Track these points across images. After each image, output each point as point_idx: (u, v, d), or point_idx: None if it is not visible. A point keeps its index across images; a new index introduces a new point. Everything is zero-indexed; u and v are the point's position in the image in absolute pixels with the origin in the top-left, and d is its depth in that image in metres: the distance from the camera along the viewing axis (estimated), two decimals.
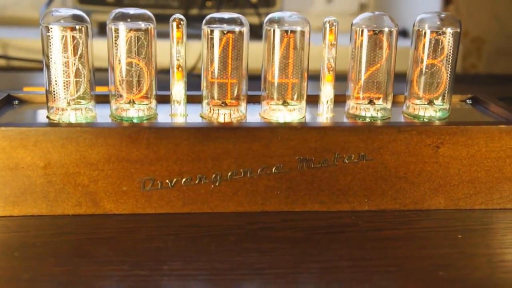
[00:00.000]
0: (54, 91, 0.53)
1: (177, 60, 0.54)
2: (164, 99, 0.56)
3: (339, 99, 0.57)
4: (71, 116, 0.53)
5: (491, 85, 1.13)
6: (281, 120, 0.53)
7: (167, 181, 0.50)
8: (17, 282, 0.40)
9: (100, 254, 0.44)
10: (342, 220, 0.51)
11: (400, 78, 0.58)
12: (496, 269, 0.43)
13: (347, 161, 0.51)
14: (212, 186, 0.51)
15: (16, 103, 0.59)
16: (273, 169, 0.51)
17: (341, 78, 0.57)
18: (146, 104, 0.54)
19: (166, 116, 0.54)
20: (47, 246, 0.46)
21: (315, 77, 0.57)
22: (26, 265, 0.43)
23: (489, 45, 1.26)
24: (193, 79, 0.67)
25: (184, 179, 0.50)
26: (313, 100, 0.57)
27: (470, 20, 1.23)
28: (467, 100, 0.62)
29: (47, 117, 0.53)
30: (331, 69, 0.55)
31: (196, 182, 0.51)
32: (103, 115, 0.54)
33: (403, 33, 1.24)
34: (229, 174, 0.51)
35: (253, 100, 0.58)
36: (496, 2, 1.24)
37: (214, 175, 0.51)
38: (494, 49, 1.27)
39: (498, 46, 1.27)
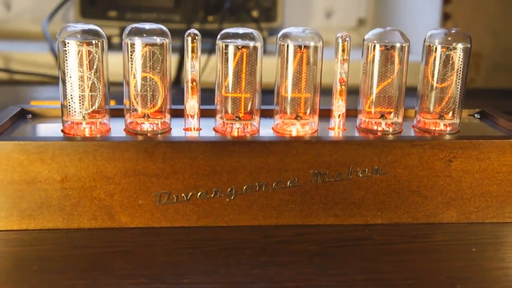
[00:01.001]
0: (69, 105, 0.53)
1: (192, 74, 0.54)
2: (177, 113, 0.56)
3: (350, 113, 0.58)
4: (86, 130, 0.53)
5: (489, 99, 1.14)
6: (294, 134, 0.54)
7: (182, 194, 0.51)
8: None
9: (118, 268, 0.45)
10: (356, 234, 0.51)
11: (408, 92, 0.59)
12: None
13: (361, 175, 0.52)
14: (227, 199, 0.51)
15: (30, 117, 0.59)
16: (288, 183, 0.51)
17: (349, 92, 0.57)
18: (160, 118, 0.54)
19: (180, 130, 0.55)
20: (65, 260, 0.46)
21: (325, 92, 0.57)
22: (44, 278, 0.43)
23: (487, 60, 1.28)
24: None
25: (199, 193, 0.51)
26: (325, 114, 0.57)
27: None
28: (475, 115, 0.63)
29: (62, 130, 0.53)
30: (343, 83, 0.56)
31: (212, 196, 0.51)
32: (117, 129, 0.54)
33: None
34: (244, 188, 0.51)
35: (265, 114, 0.58)
36: (492, 18, 1.26)
37: (229, 189, 0.51)
38: (492, 64, 1.28)
39: (495, 61, 1.28)
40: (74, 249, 0.47)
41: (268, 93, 0.57)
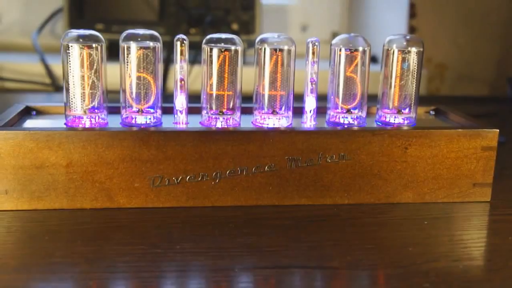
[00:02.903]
0: (72, 101, 0.60)
1: (180, 74, 0.62)
2: (166, 111, 0.63)
3: (320, 110, 0.66)
4: (87, 123, 0.60)
5: (453, 105, 1.23)
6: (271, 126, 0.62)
7: (173, 178, 0.58)
8: (52, 258, 0.47)
9: (119, 238, 0.51)
10: (325, 212, 0.59)
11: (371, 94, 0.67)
12: (456, 245, 0.52)
13: (329, 161, 0.59)
14: (213, 182, 0.58)
15: (34, 113, 0.65)
16: (266, 168, 0.59)
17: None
18: (153, 113, 0.62)
19: (170, 123, 0.62)
20: (72, 233, 0.52)
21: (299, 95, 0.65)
22: (56, 246, 0.49)
23: (451, 70, 1.38)
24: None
25: (188, 177, 0.58)
26: (298, 112, 0.65)
27: (433, 47, 1.35)
28: (431, 112, 0.72)
29: (65, 124, 0.60)
30: (314, 82, 0.64)
31: (199, 179, 0.58)
32: (114, 123, 0.61)
33: (373, 59, 1.34)
34: (228, 172, 0.58)
35: (245, 111, 0.65)
36: (456, 31, 1.35)
37: (214, 173, 0.58)
38: (455, 74, 1.38)
39: (459, 71, 1.38)
40: (79, 225, 0.54)
41: (246, 98, 0.64)
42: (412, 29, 1.33)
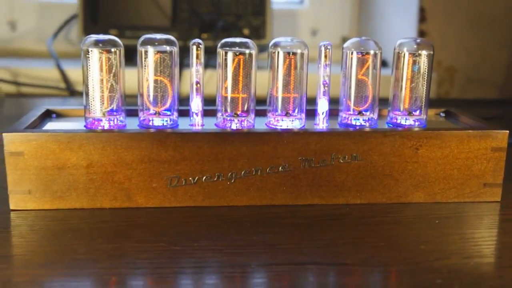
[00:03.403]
0: (91, 104, 0.62)
1: (196, 77, 0.63)
2: (181, 113, 0.65)
3: (331, 113, 0.67)
4: (105, 125, 0.62)
5: (463, 107, 1.24)
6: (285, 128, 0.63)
7: (190, 178, 0.59)
8: (75, 255, 0.49)
9: (138, 236, 0.53)
10: (338, 211, 0.60)
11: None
12: (467, 243, 0.53)
13: (341, 161, 0.61)
14: (228, 183, 0.60)
15: (54, 116, 0.67)
16: (280, 168, 0.60)
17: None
18: (169, 116, 0.63)
19: (186, 125, 0.64)
20: (93, 231, 0.54)
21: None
22: (79, 243, 0.51)
23: (460, 74, 1.39)
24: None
25: (204, 177, 0.59)
26: (311, 114, 0.66)
27: (443, 51, 1.36)
28: (441, 114, 0.73)
29: (84, 126, 0.62)
30: (326, 85, 0.65)
31: (215, 179, 0.60)
32: (131, 125, 0.63)
33: (383, 63, 1.35)
34: (243, 172, 0.60)
35: (259, 114, 0.67)
36: (465, 35, 1.37)
37: (230, 173, 0.60)
38: (465, 77, 1.39)
39: (468, 74, 1.39)
40: (99, 223, 0.56)
41: (258, 101, 0.65)
42: (422, 33, 1.34)
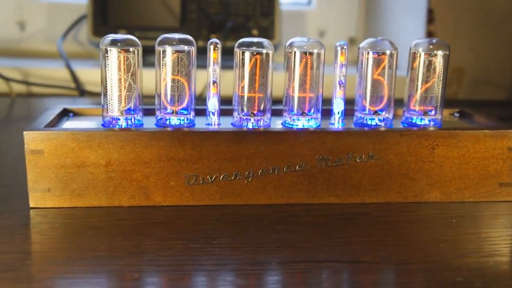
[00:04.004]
0: (109, 103, 0.62)
1: (213, 77, 0.64)
2: (198, 113, 0.65)
3: (346, 113, 0.67)
4: (123, 124, 0.62)
5: (471, 109, 1.25)
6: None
7: (208, 177, 0.60)
8: (97, 252, 0.49)
9: (158, 234, 0.53)
10: (354, 210, 0.61)
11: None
12: (485, 242, 0.53)
13: (358, 161, 0.61)
14: (246, 181, 0.60)
15: (71, 115, 0.68)
16: (297, 167, 0.61)
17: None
18: (186, 115, 0.64)
19: (203, 125, 0.64)
20: (113, 228, 0.54)
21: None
22: (100, 240, 0.52)
23: (468, 75, 1.39)
24: (201, 103, 0.76)
25: (222, 176, 0.60)
26: (326, 114, 0.67)
27: (451, 52, 1.36)
28: (455, 114, 0.73)
29: (102, 125, 0.62)
30: (342, 85, 0.65)
31: (232, 178, 0.60)
32: (148, 124, 0.63)
33: None
34: (260, 171, 0.60)
35: (274, 113, 0.67)
36: (473, 36, 1.37)
37: (247, 172, 0.60)
38: (473, 79, 1.39)
39: (476, 75, 1.39)
40: (118, 221, 0.56)
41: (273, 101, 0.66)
42: (430, 34, 1.34)
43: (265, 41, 0.64)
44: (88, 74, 1.32)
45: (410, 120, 0.67)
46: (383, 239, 0.54)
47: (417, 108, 0.66)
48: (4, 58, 1.43)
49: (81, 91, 1.29)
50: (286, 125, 0.64)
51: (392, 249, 0.51)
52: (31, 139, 0.56)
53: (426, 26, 1.35)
